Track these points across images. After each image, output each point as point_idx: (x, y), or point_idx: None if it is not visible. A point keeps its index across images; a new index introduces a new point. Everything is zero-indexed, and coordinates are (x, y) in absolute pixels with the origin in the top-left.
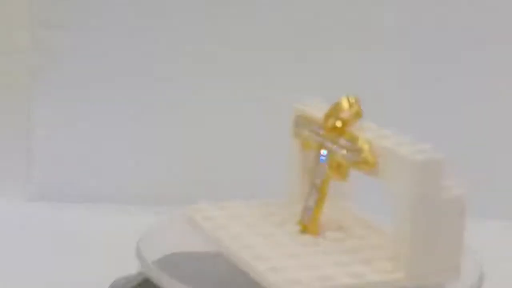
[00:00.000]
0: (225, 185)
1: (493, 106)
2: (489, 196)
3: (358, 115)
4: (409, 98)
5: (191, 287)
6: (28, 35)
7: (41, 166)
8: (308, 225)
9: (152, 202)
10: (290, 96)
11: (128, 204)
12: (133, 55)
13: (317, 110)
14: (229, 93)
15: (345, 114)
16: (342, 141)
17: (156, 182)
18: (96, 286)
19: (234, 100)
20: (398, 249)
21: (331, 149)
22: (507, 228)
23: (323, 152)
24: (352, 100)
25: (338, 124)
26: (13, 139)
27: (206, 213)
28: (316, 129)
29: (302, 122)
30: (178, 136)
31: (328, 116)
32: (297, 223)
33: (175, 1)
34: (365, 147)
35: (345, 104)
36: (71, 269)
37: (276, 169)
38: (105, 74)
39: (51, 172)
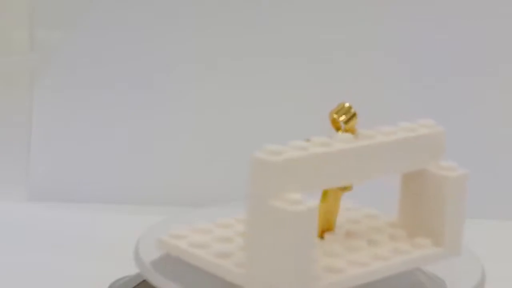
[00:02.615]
0: (225, 185)
1: (493, 106)
2: (489, 196)
3: (348, 121)
4: (410, 100)
5: None
6: (28, 35)
7: (41, 166)
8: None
9: (153, 202)
10: (288, 100)
11: (128, 204)
12: (133, 55)
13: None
14: (229, 95)
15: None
16: None
17: (156, 182)
18: (95, 286)
19: (234, 102)
20: None
21: None
22: (507, 228)
23: None
24: (341, 107)
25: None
26: (13, 139)
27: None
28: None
29: None
30: (178, 136)
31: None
32: None
33: (175, 2)
34: None
35: (334, 111)
36: (71, 269)
37: None
38: (105, 74)
39: (51, 172)
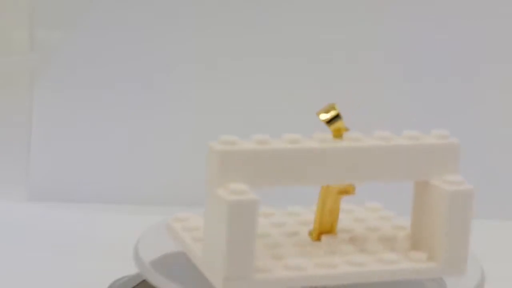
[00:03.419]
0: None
1: (493, 106)
2: (489, 196)
3: (331, 122)
4: (410, 100)
5: None
6: (28, 35)
7: (41, 166)
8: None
9: (153, 202)
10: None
11: (128, 204)
12: (133, 55)
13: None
14: (229, 95)
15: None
16: None
17: (156, 182)
18: (95, 286)
19: (234, 102)
20: None
21: None
22: (507, 228)
23: None
24: (327, 108)
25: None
26: (13, 139)
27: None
28: None
29: None
30: (178, 136)
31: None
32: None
33: (175, 2)
34: None
35: (319, 112)
36: (71, 269)
37: None
38: (105, 74)
39: (51, 172)
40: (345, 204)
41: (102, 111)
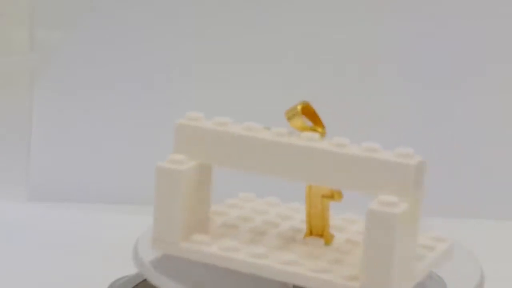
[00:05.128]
0: (224, 185)
1: (493, 106)
2: (489, 196)
3: (291, 119)
4: (409, 100)
5: None
6: (28, 35)
7: (41, 166)
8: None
9: (153, 202)
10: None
11: (128, 204)
12: (133, 55)
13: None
14: (229, 95)
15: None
16: None
17: None
18: (95, 286)
19: (233, 102)
20: None
21: None
22: (507, 228)
23: None
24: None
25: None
26: (13, 139)
27: None
28: None
29: None
30: None
31: None
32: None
33: (175, 2)
34: None
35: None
36: (71, 269)
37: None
38: (105, 74)
39: (51, 172)
40: None
41: (102, 111)
